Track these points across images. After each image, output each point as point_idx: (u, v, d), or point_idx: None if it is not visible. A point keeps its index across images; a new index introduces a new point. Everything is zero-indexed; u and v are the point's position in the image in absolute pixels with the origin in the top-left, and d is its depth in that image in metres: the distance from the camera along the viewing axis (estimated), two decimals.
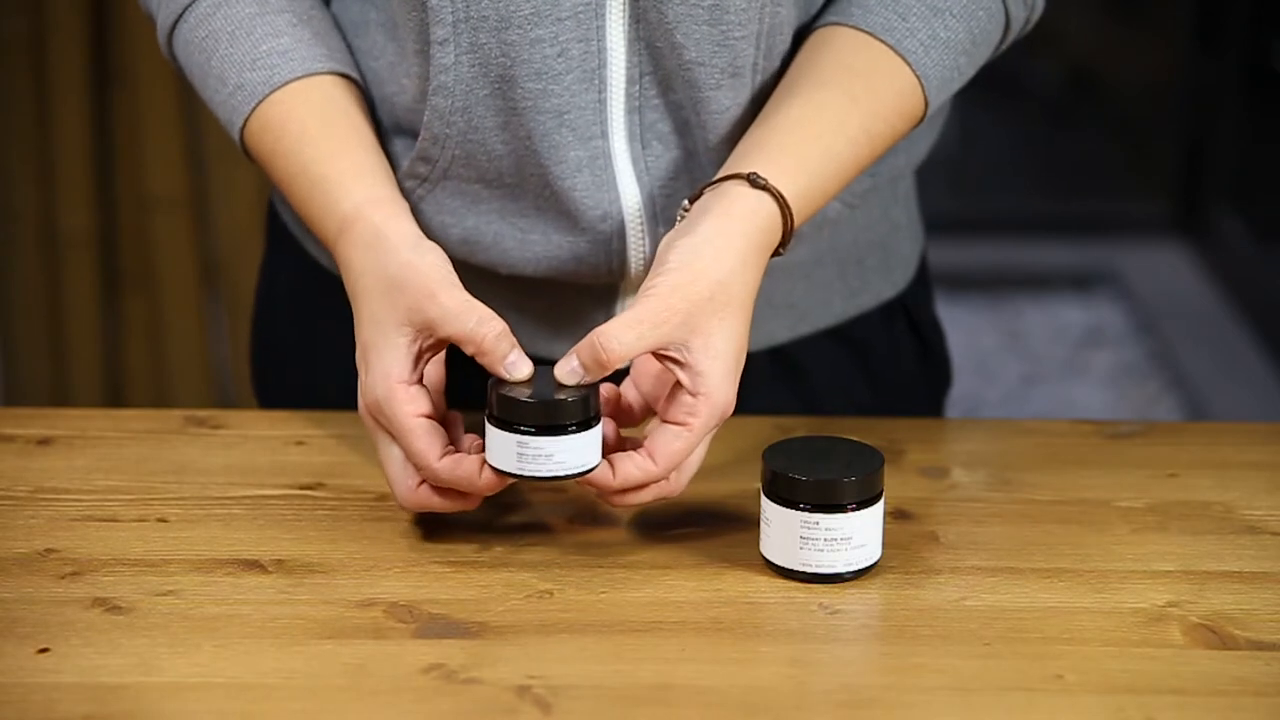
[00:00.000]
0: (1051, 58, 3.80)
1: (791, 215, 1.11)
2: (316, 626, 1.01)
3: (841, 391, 1.33)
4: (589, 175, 1.17)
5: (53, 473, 1.19)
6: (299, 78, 1.17)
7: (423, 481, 1.08)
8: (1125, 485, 1.19)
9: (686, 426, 1.06)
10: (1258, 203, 3.58)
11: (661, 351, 1.06)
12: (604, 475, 1.06)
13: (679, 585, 1.06)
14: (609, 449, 1.08)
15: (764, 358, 1.29)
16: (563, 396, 1.04)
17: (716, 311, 1.06)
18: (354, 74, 1.20)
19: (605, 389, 1.10)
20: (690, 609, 1.04)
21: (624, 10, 1.13)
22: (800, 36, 1.19)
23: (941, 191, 3.55)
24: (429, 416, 1.07)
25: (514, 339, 1.07)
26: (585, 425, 1.05)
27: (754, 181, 1.10)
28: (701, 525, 1.13)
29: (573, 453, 1.05)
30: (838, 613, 1.04)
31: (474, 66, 1.14)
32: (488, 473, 1.06)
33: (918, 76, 1.16)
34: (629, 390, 1.12)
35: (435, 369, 1.11)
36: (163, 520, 1.13)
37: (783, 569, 1.06)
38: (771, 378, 1.30)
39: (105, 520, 1.13)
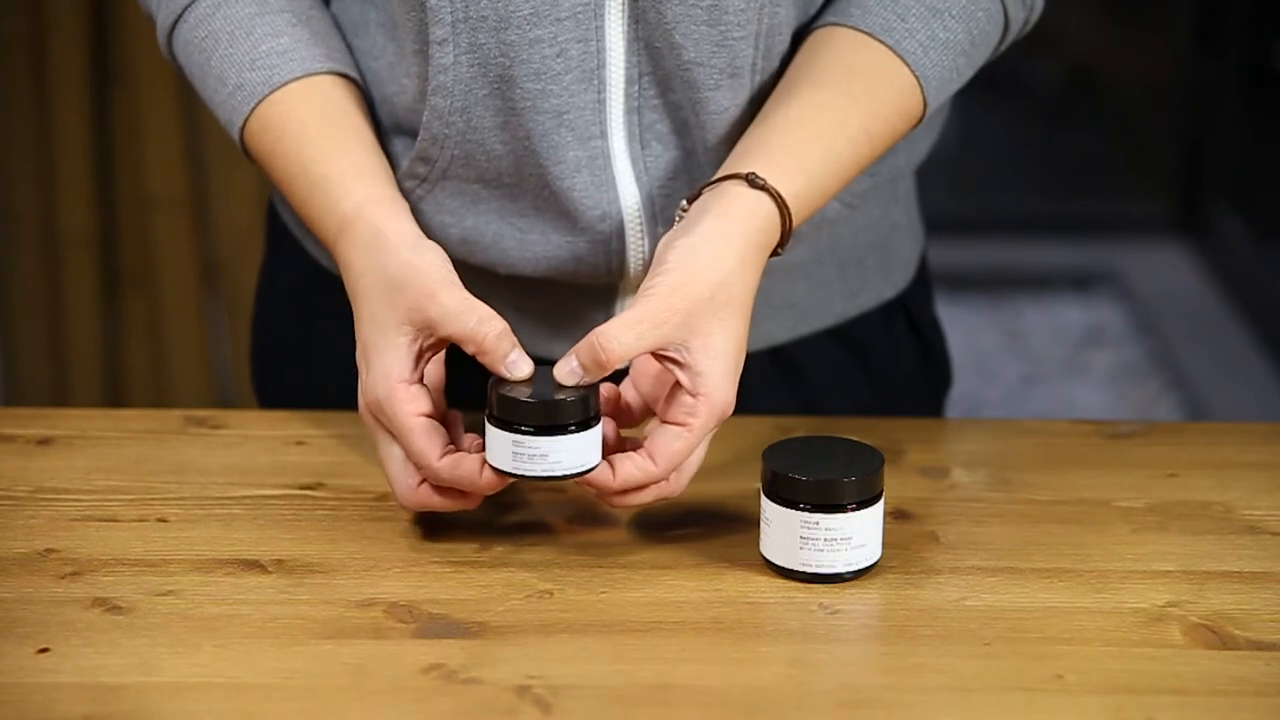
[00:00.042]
0: (1051, 58, 3.80)
1: (790, 215, 1.11)
2: (316, 626, 1.01)
3: (841, 391, 1.33)
4: (588, 175, 1.17)
5: (53, 473, 1.19)
6: (298, 78, 1.17)
7: (423, 481, 1.09)
8: (1125, 485, 1.19)
9: (686, 427, 1.06)
10: (1258, 203, 3.58)
11: (661, 352, 1.06)
12: (604, 476, 1.06)
13: (679, 585, 1.06)
14: (609, 449, 1.08)
15: (764, 358, 1.29)
16: (562, 396, 1.04)
17: (716, 312, 1.06)
18: (353, 74, 1.20)
19: (605, 389, 1.10)
20: (690, 609, 1.04)
21: (623, 10, 1.13)
22: (799, 37, 1.19)
23: (941, 191, 3.55)
24: (429, 416, 1.07)
25: (515, 338, 1.07)
26: (585, 425, 1.05)
27: (753, 182, 1.10)
28: (701, 525, 1.13)
29: (572, 453, 1.05)
30: (838, 613, 1.04)
31: (473, 67, 1.14)
32: (488, 472, 1.06)
33: (917, 77, 1.16)
34: (629, 390, 1.12)
35: (435, 368, 1.11)
36: (163, 520, 1.13)
37: (783, 569, 1.06)
38: (771, 378, 1.30)
39: (105, 520, 1.13)
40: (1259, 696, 0.96)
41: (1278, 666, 0.99)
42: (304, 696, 0.95)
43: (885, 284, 1.34)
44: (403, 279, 1.08)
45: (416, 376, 1.08)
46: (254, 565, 1.08)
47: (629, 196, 1.18)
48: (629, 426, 1.12)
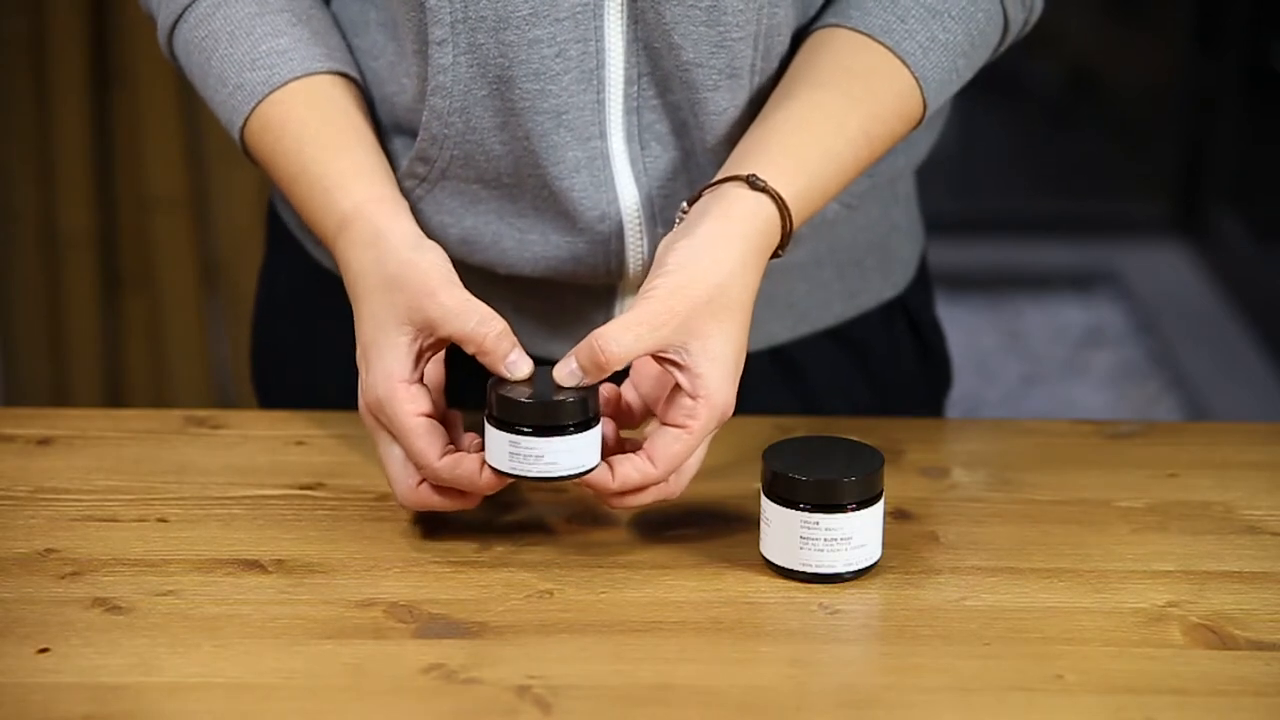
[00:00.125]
0: (1051, 58, 3.80)
1: (790, 217, 1.11)
2: (316, 626, 1.01)
3: (841, 392, 1.33)
4: (587, 176, 1.17)
5: (53, 473, 1.19)
6: (298, 77, 1.17)
7: (423, 480, 1.09)
8: (1125, 485, 1.19)
9: (686, 429, 1.06)
10: (1258, 203, 3.58)
11: (660, 354, 1.06)
12: (603, 477, 1.06)
13: (679, 585, 1.06)
14: (608, 450, 1.08)
15: (764, 358, 1.29)
16: (561, 398, 1.04)
17: (715, 314, 1.06)
18: (353, 73, 1.20)
19: (606, 389, 1.10)
20: (690, 609, 1.04)
21: (622, 11, 1.13)
22: (798, 38, 1.19)
23: (941, 191, 3.54)
24: (429, 416, 1.07)
25: (515, 338, 1.07)
26: (584, 426, 1.05)
27: (753, 183, 1.10)
28: (701, 525, 1.13)
29: (571, 454, 1.05)
30: (838, 613, 1.04)
31: (472, 67, 1.14)
32: (487, 472, 1.06)
33: (916, 79, 1.16)
34: (629, 391, 1.12)
35: (435, 368, 1.11)
36: (163, 520, 1.13)
37: (783, 569, 1.07)
38: (771, 378, 1.30)
39: (105, 520, 1.13)
40: (1259, 696, 0.96)
41: (1278, 666, 0.99)
42: (304, 696, 0.95)
43: (885, 284, 1.34)
44: (403, 278, 1.08)
45: (416, 376, 1.08)
46: (254, 565, 1.08)
47: (628, 197, 1.18)
48: (629, 427, 1.12)
